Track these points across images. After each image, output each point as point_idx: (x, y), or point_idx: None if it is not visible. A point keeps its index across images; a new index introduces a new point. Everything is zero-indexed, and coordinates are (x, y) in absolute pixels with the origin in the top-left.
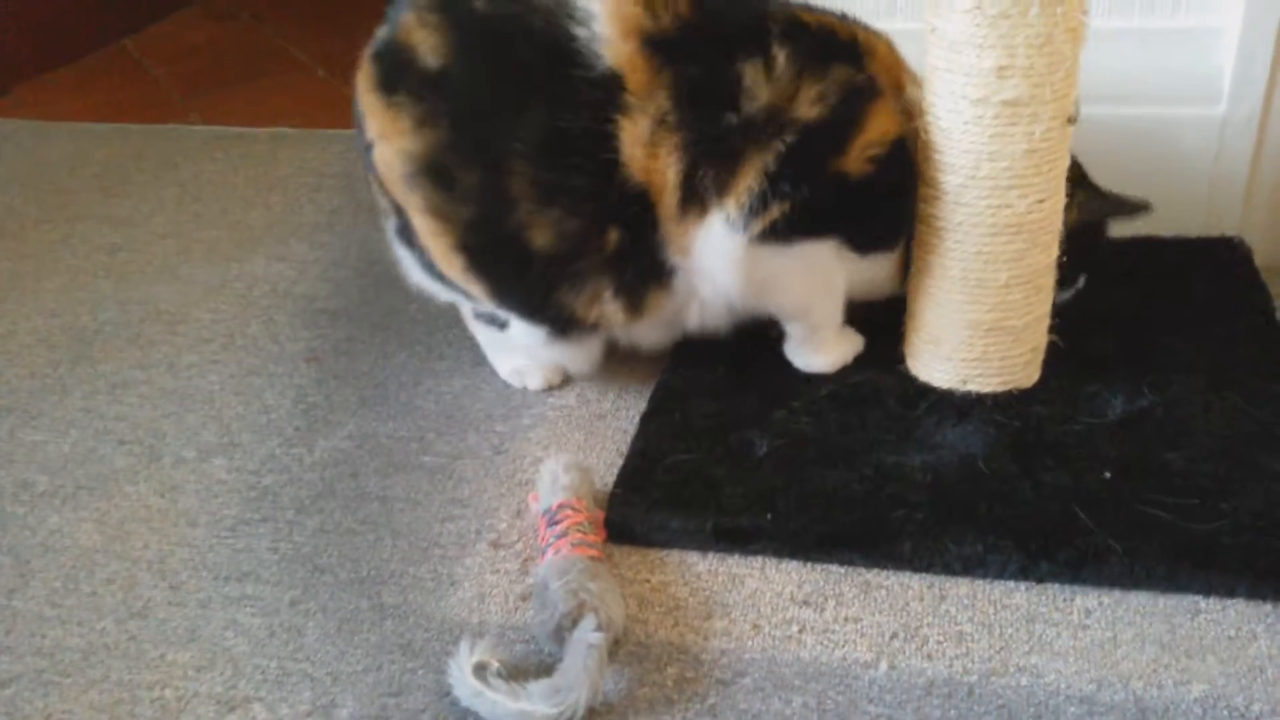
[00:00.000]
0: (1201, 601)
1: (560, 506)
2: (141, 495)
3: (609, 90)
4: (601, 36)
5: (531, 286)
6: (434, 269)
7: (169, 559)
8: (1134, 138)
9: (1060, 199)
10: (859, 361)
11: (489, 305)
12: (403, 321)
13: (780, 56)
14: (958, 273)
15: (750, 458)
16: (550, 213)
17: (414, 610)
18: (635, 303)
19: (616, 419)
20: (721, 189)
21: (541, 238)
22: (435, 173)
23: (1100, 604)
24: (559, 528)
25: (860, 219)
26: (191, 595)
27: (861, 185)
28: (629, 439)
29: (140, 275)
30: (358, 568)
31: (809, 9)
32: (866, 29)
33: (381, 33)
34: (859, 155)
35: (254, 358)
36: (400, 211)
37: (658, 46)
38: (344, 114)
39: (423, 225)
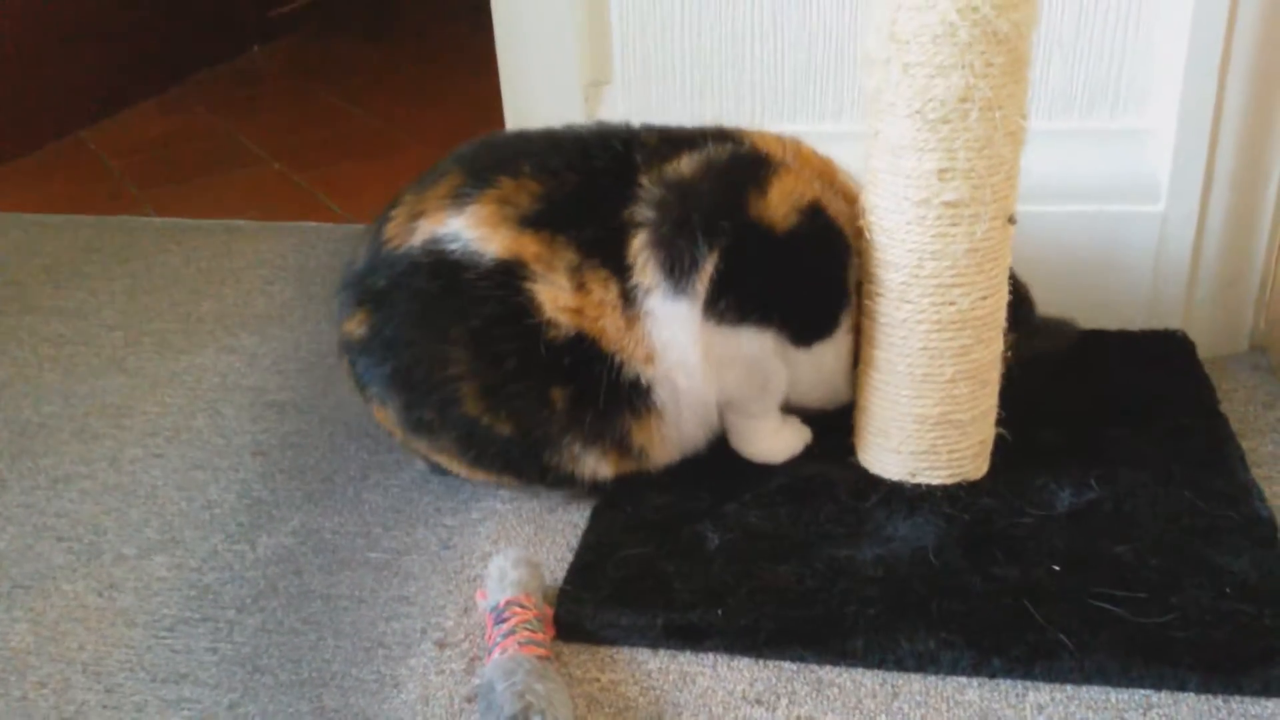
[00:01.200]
0: (1153, 696)
1: (508, 604)
2: (79, 594)
3: (506, 273)
4: (473, 239)
5: (523, 466)
6: None
7: (105, 660)
8: (1077, 235)
9: (1003, 295)
10: (810, 453)
11: None
12: (352, 414)
13: (651, 172)
14: (904, 368)
15: (701, 552)
16: (502, 405)
17: (356, 713)
18: (617, 444)
19: (567, 513)
20: (632, 256)
21: (506, 428)
22: (416, 427)
23: (1053, 699)
24: (506, 625)
25: (794, 294)
26: (127, 698)
27: (789, 243)
28: (579, 533)
29: (86, 368)
30: (299, 669)
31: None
32: (742, 130)
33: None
34: (781, 201)
35: (199, 451)
36: None
37: (532, 221)
38: (299, 206)
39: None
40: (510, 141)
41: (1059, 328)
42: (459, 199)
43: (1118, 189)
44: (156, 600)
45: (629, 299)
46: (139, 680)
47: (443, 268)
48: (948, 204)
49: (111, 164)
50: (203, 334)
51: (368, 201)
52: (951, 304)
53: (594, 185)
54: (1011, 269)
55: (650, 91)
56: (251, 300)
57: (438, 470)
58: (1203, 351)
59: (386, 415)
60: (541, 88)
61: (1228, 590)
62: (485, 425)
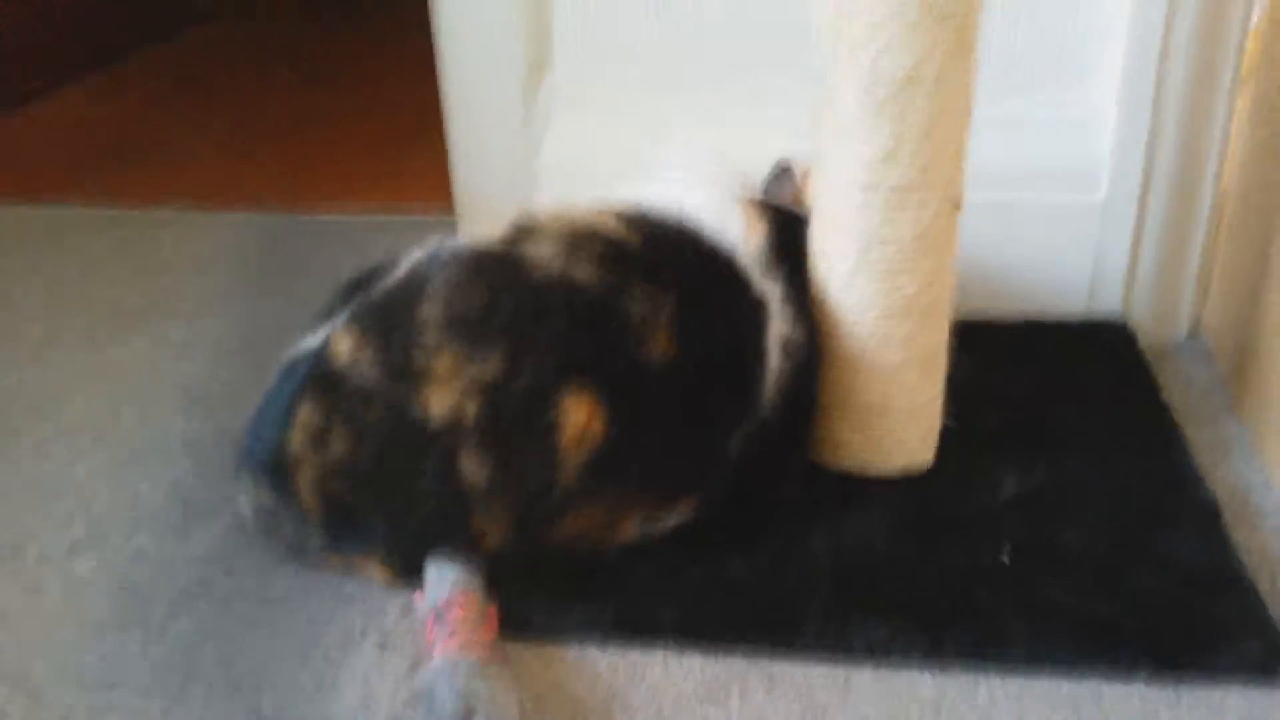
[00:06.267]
0: (1105, 687)
1: (448, 604)
2: (1, 596)
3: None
4: None
5: None
6: None
7: (30, 666)
8: (1018, 223)
9: (950, 280)
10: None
11: None
12: None
13: None
14: (851, 355)
15: (649, 545)
16: None
17: (294, 718)
18: None
19: None
20: None
21: None
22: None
23: (1005, 692)
24: (447, 627)
25: None
26: (53, 707)
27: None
28: None
29: (7, 361)
30: (233, 673)
31: None
32: None
33: None
34: None
35: (127, 447)
36: None
37: None
38: (228, 193)
39: None
40: None
41: None
42: None
43: (1058, 177)
44: (83, 602)
45: None
46: (66, 687)
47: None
48: (894, 188)
49: (37, 150)
50: (129, 325)
51: (297, 188)
52: (899, 290)
53: None
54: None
55: (593, 79)
56: (180, 291)
57: None
58: (1142, 338)
59: None
60: (482, 75)
61: (1175, 578)
62: None
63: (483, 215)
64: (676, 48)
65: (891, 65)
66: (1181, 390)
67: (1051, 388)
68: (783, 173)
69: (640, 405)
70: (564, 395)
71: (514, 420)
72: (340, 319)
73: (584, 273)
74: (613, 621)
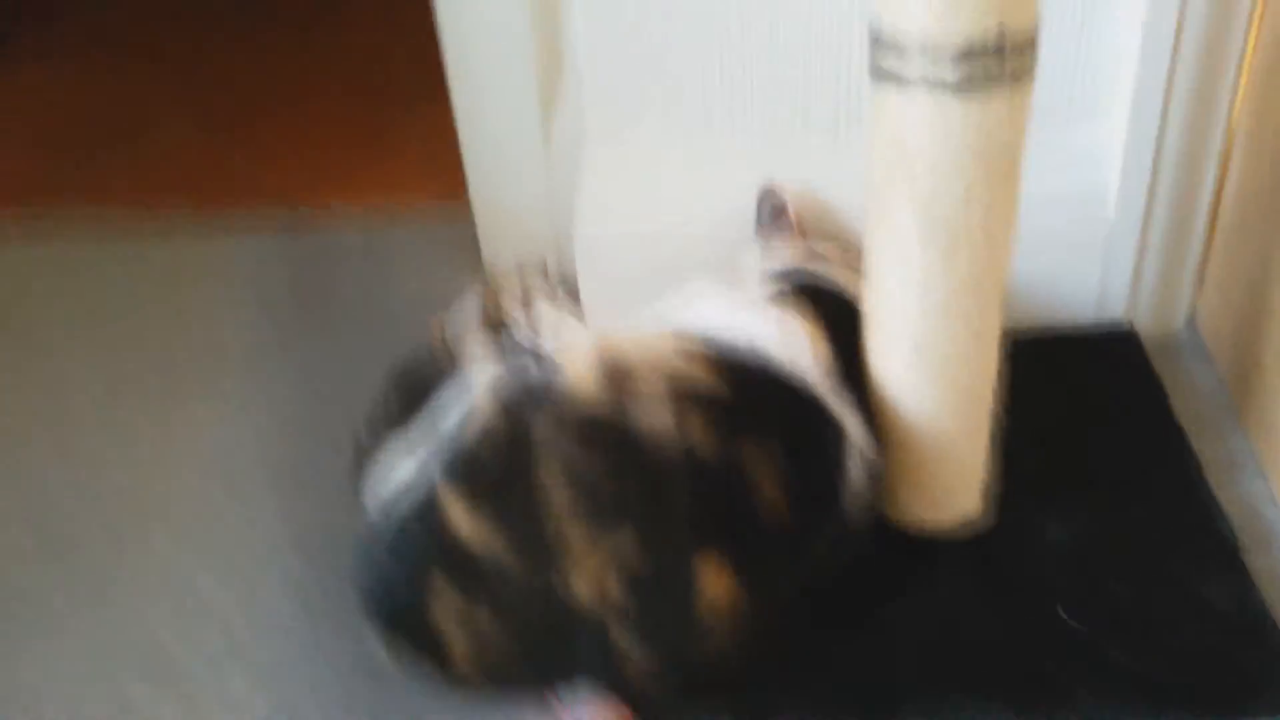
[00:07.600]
0: None
1: (590, 715)
2: None
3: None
4: None
5: None
6: None
7: None
8: (1033, 245)
9: (999, 360)
10: None
11: None
12: None
13: None
14: (907, 436)
15: None
16: None
17: None
18: None
19: None
20: None
21: None
22: None
23: None
24: None
25: None
26: None
27: None
28: None
29: (76, 439)
30: None
31: None
32: None
33: None
34: None
35: (232, 538)
36: None
37: None
38: (225, 181)
39: None
40: None
41: None
42: None
43: (1069, 202)
44: None
45: None
46: None
47: None
48: (951, 292)
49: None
50: (180, 379)
51: (291, 175)
52: (954, 382)
53: None
54: None
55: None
56: (219, 331)
57: None
58: (1144, 335)
59: None
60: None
61: (1208, 626)
62: None
63: (503, 222)
64: (708, 76)
65: (949, 190)
66: (1187, 396)
67: (1074, 411)
68: (776, 209)
69: (760, 555)
70: (701, 566)
71: (658, 597)
72: (437, 465)
73: (697, 437)
74: (731, 712)
